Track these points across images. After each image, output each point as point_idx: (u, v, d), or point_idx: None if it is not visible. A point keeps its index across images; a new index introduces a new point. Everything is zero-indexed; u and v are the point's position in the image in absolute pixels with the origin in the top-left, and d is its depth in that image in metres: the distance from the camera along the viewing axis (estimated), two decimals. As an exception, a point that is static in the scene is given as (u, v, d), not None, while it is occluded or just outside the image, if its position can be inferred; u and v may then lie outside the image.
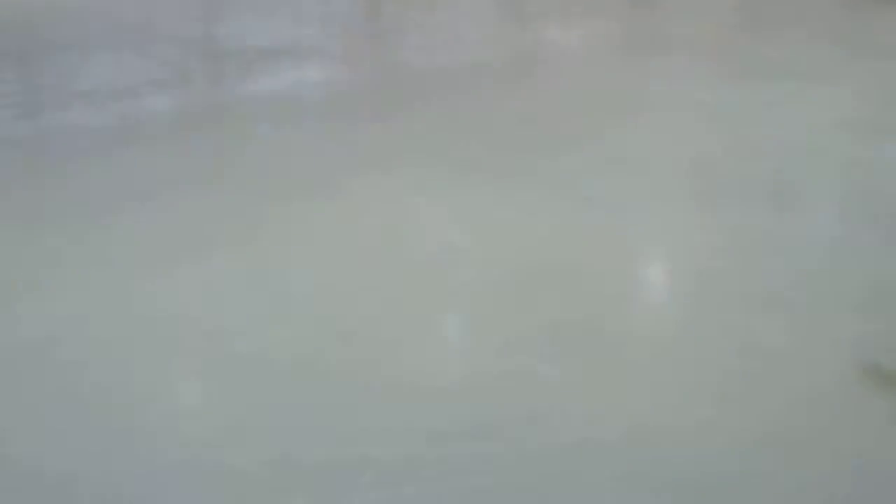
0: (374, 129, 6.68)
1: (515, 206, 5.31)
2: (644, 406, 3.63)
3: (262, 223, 5.16)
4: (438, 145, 6.27)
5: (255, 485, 3.26)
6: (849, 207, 5.41)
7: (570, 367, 3.87)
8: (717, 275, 4.58)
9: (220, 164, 6.17)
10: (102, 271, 4.68)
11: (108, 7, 10.50)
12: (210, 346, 4.09)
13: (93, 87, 7.62)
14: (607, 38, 9.60)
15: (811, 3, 10.32)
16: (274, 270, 4.66)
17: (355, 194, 5.51)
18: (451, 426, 3.52)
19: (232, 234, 5.05)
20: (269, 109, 7.25)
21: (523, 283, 4.51)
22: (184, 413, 3.74)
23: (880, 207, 5.27)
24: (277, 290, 4.49)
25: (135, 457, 3.40)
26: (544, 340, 4.06)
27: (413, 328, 4.22)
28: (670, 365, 3.93)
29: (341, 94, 7.73)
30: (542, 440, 3.45)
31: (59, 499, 3.22)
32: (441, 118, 6.85)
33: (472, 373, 3.91)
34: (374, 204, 5.40)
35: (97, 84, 7.71)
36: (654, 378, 3.83)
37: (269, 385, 3.79)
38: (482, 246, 4.89)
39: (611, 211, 5.22)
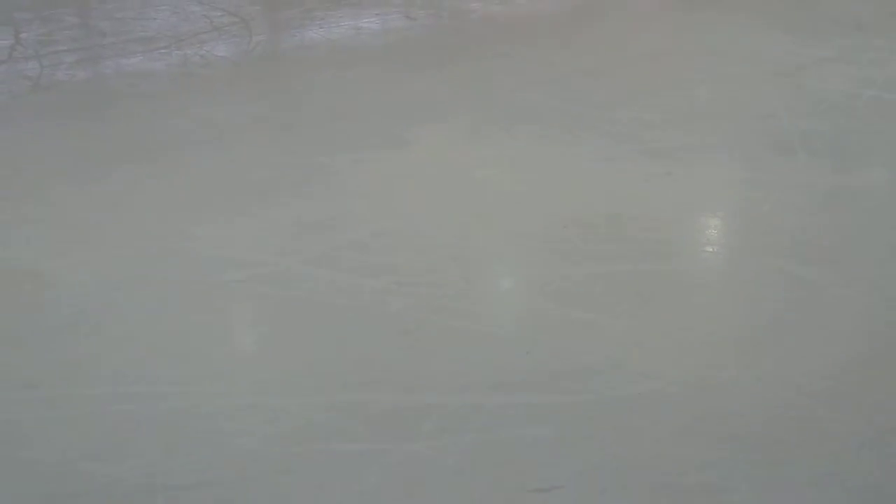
0: (433, 77, 6.67)
1: (576, 156, 5.31)
2: (703, 357, 3.64)
3: (320, 171, 5.16)
4: (497, 94, 6.26)
5: (313, 431, 3.28)
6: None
7: (629, 319, 3.88)
8: (772, 228, 4.57)
9: (280, 112, 6.18)
10: (162, 217, 4.71)
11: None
12: (269, 291, 4.11)
13: (153, 34, 7.64)
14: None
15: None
16: (331, 218, 4.67)
17: (414, 143, 5.51)
18: (508, 376, 3.54)
19: (290, 182, 5.06)
20: (328, 57, 7.25)
21: (582, 233, 4.51)
22: (240, 359, 3.77)
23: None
24: (335, 238, 4.50)
25: (192, 399, 3.44)
26: (602, 290, 4.07)
27: (471, 278, 4.23)
28: (728, 315, 3.94)
29: (400, 43, 7.71)
30: (599, 391, 3.46)
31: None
32: (500, 68, 6.83)
33: (530, 322, 3.92)
34: (431, 153, 5.40)
35: (158, 30, 7.73)
36: (712, 329, 3.83)
37: (326, 332, 3.82)
38: (542, 196, 4.88)
39: (671, 163, 5.20)
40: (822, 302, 4.01)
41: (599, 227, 4.57)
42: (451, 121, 5.83)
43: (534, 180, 5.06)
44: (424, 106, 6.10)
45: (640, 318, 3.88)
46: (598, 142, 5.48)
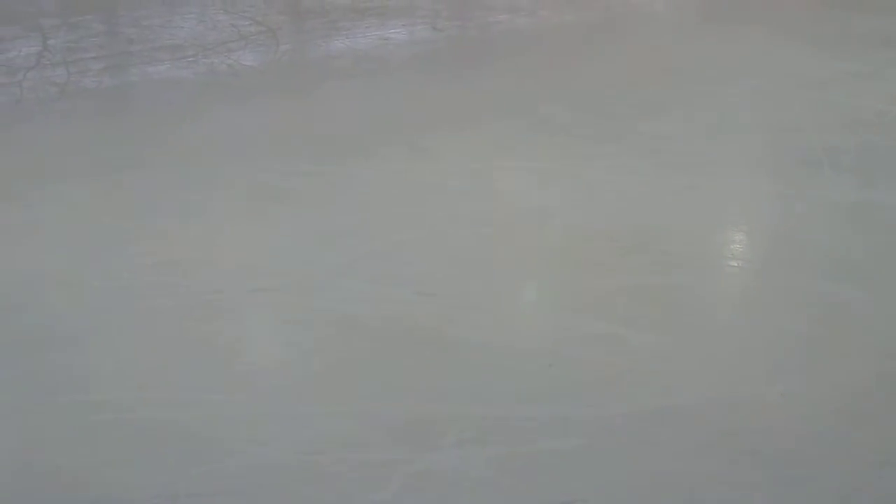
0: (460, 88, 6.67)
1: (600, 168, 5.30)
2: (729, 373, 3.62)
3: (345, 180, 5.17)
4: (524, 106, 6.25)
5: (335, 440, 3.28)
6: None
7: (654, 332, 3.86)
8: (799, 243, 4.55)
9: (305, 121, 6.20)
10: (185, 224, 4.72)
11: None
12: (295, 300, 4.12)
13: (181, 42, 7.67)
14: (693, 4, 9.52)
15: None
16: (355, 227, 4.67)
17: (438, 154, 5.51)
18: (532, 388, 3.53)
19: (315, 191, 5.07)
20: (354, 67, 7.26)
21: (607, 245, 4.50)
22: (262, 368, 3.77)
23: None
24: (358, 247, 4.50)
25: (214, 407, 3.44)
26: (628, 305, 4.05)
27: (494, 289, 4.23)
28: (754, 331, 3.92)
29: (426, 54, 7.72)
30: (624, 405, 3.44)
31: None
32: (526, 79, 6.83)
33: (553, 335, 3.91)
34: (458, 163, 5.40)
35: (185, 38, 7.75)
36: (738, 345, 3.82)
37: (348, 342, 3.81)
38: (566, 208, 4.88)
39: (697, 175, 5.19)
40: (847, 318, 3.99)
41: (624, 240, 4.55)
42: (476, 132, 5.83)
43: (558, 192, 5.06)
44: (449, 117, 6.10)
45: (664, 332, 3.86)
46: (623, 154, 5.47)
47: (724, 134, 5.80)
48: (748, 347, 3.81)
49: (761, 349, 3.80)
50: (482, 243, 4.54)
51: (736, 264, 4.58)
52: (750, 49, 7.50)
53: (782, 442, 3.27)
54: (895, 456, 3.23)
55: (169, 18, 8.39)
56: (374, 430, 3.32)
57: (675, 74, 6.92)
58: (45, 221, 4.78)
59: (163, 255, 4.44)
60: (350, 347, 3.77)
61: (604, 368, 3.63)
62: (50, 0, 9.03)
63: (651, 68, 7.08)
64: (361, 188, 5.10)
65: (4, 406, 3.50)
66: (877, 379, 3.60)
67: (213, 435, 3.31)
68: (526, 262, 4.48)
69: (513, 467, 3.16)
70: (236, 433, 3.31)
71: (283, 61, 7.44)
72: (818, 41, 7.66)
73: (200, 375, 3.60)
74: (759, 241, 4.82)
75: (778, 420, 3.38)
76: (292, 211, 4.85)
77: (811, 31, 8.08)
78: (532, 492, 3.08)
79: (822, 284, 4.21)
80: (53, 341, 3.80)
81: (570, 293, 4.17)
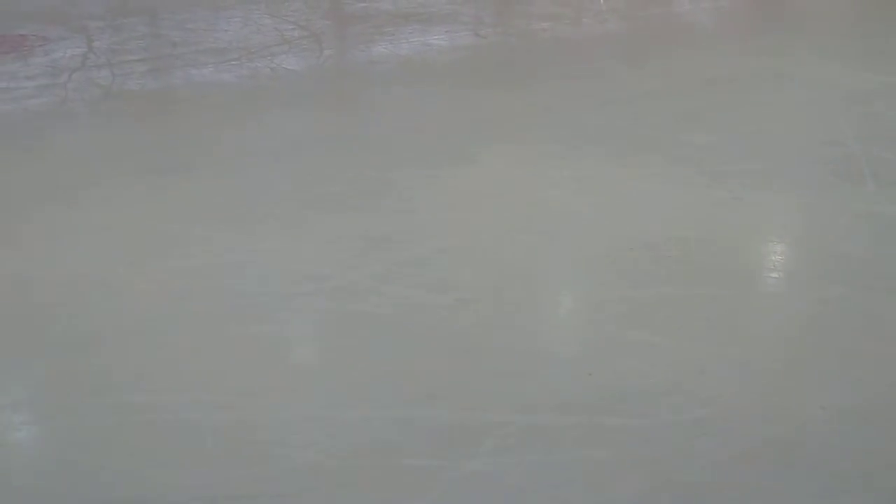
0: (502, 96, 6.69)
1: (642, 178, 5.29)
2: (768, 384, 3.62)
3: (387, 186, 5.19)
4: (564, 115, 6.26)
5: (375, 445, 3.30)
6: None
7: (693, 342, 3.86)
8: (840, 255, 4.54)
9: (348, 126, 6.23)
10: (228, 228, 4.75)
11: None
12: (337, 305, 4.14)
13: (224, 45, 7.72)
14: (736, 15, 9.50)
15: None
16: (397, 233, 4.69)
17: (480, 161, 5.52)
18: (570, 396, 3.53)
19: (357, 196, 5.09)
20: (397, 73, 7.29)
21: (648, 255, 4.50)
22: (304, 372, 3.80)
23: None
24: (400, 253, 4.52)
25: (256, 410, 3.47)
26: (668, 315, 4.05)
27: (535, 297, 4.24)
28: (794, 342, 3.92)
29: (468, 60, 7.74)
30: (661, 415, 3.45)
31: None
32: (567, 88, 6.84)
33: (593, 343, 3.92)
34: (498, 171, 5.42)
35: (229, 42, 7.80)
36: (778, 356, 3.81)
37: (389, 347, 3.83)
38: (607, 217, 4.88)
39: (737, 187, 5.18)
40: (887, 332, 3.98)
41: (665, 250, 4.55)
42: (518, 140, 5.85)
43: (600, 202, 5.06)
44: (491, 124, 6.12)
45: (703, 343, 3.86)
46: (665, 165, 5.47)
47: (766, 145, 5.79)
48: (788, 359, 3.80)
49: (801, 361, 3.79)
50: (524, 251, 4.55)
51: (776, 276, 4.58)
52: (792, 61, 7.49)
53: (820, 454, 3.27)
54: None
55: (213, 22, 8.44)
56: (414, 436, 3.33)
57: (717, 85, 6.91)
58: (90, 223, 4.82)
59: (205, 259, 4.48)
60: (391, 353, 3.79)
61: (643, 378, 3.63)
62: (95, 2, 9.08)
63: (693, 78, 7.08)
64: (403, 194, 5.12)
65: (49, 406, 3.55)
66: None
67: (254, 437, 3.33)
68: (567, 270, 4.49)
69: (550, 476, 3.17)
70: (277, 436, 3.34)
71: (327, 66, 7.48)
72: (860, 54, 7.64)
73: (242, 378, 3.63)
74: (799, 253, 4.81)
75: (816, 432, 3.38)
76: (334, 216, 4.87)
77: (853, 43, 8.05)
78: (569, 500, 3.08)
79: (863, 297, 4.20)
80: (97, 343, 3.84)
81: (610, 302, 4.17)
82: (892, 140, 5.89)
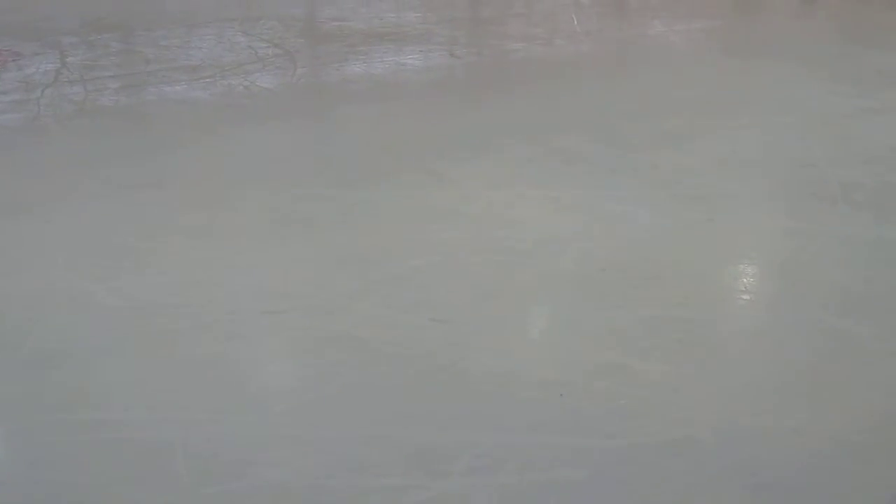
0: (476, 115, 6.69)
1: (616, 199, 5.29)
2: (739, 406, 3.61)
3: (360, 204, 5.18)
4: (539, 134, 6.26)
5: (346, 464, 3.28)
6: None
7: (665, 364, 3.85)
8: (812, 278, 4.55)
9: (321, 144, 6.22)
10: (201, 245, 4.73)
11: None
12: (308, 324, 4.12)
13: (198, 62, 7.70)
14: (710, 38, 9.53)
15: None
16: (370, 252, 4.67)
17: (453, 180, 5.52)
18: (543, 417, 3.52)
19: (330, 214, 5.08)
20: (370, 92, 7.29)
21: (621, 276, 4.50)
22: (275, 390, 3.77)
23: None
24: (372, 272, 4.50)
25: (226, 428, 3.44)
26: (641, 336, 4.05)
27: (507, 317, 4.22)
28: (765, 365, 3.91)
29: (442, 80, 7.75)
30: (633, 436, 3.43)
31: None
32: (542, 108, 6.85)
33: (565, 364, 3.90)
34: (471, 190, 5.41)
35: (202, 59, 7.79)
36: (750, 378, 3.80)
37: (361, 366, 3.81)
38: (580, 238, 4.87)
39: (711, 209, 5.18)
40: (860, 354, 3.98)
41: (638, 272, 4.55)
42: (492, 159, 5.85)
43: (573, 222, 5.06)
44: (465, 143, 6.11)
45: (676, 364, 3.85)
46: (639, 186, 5.47)
47: (740, 168, 5.80)
48: (759, 381, 3.80)
49: (772, 383, 3.79)
50: (496, 271, 4.54)
51: (748, 298, 4.58)
52: (767, 83, 7.52)
53: (792, 477, 3.26)
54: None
55: (187, 39, 8.43)
56: (386, 456, 3.31)
57: (692, 107, 6.93)
58: (60, 238, 4.79)
59: (175, 276, 4.45)
60: (362, 372, 3.77)
61: (615, 399, 3.62)
62: (69, 18, 9.06)
63: (668, 100, 7.10)
64: (376, 212, 5.11)
65: (15, 422, 3.51)
66: (887, 414, 3.59)
67: (225, 456, 3.30)
68: (539, 290, 4.47)
69: (523, 497, 3.15)
70: (247, 455, 3.31)
71: (300, 84, 7.47)
72: (835, 77, 7.67)
73: (212, 396, 3.60)
74: (772, 275, 4.81)
75: (789, 454, 3.37)
76: (306, 234, 4.86)
77: (829, 66, 8.09)
78: (542, 521, 3.07)
79: (834, 320, 4.20)
80: (65, 359, 3.81)
81: (582, 323, 4.16)
82: (864, 164, 5.91)
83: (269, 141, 6.15)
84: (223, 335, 4.00)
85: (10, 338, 3.96)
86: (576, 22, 9.47)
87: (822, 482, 3.25)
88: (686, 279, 4.52)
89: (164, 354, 3.87)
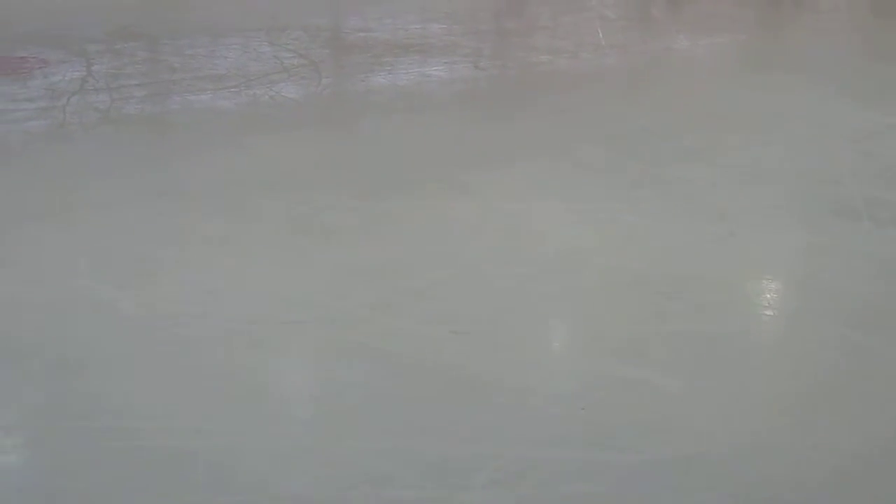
0: (500, 127, 6.69)
1: (637, 213, 5.28)
2: (761, 422, 3.60)
3: (383, 215, 5.18)
4: (563, 147, 6.26)
5: (365, 476, 3.27)
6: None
7: (686, 379, 3.84)
8: (835, 294, 4.53)
9: (345, 155, 6.22)
10: (221, 255, 4.74)
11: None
12: (330, 334, 4.12)
13: (223, 72, 7.72)
14: (734, 53, 9.51)
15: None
16: (392, 263, 4.67)
17: (476, 192, 5.51)
18: (563, 431, 3.51)
19: (352, 225, 5.08)
20: (395, 103, 7.30)
21: (643, 290, 4.49)
22: (294, 401, 3.78)
23: None
24: (393, 283, 4.50)
25: (244, 439, 3.44)
26: (662, 350, 4.04)
27: (533, 330, 4.22)
28: (787, 381, 3.90)
29: (467, 92, 7.75)
30: (654, 450, 3.43)
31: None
32: (566, 121, 6.84)
33: (586, 378, 3.90)
34: (495, 202, 5.40)
35: (228, 68, 7.80)
36: (771, 394, 3.79)
37: (381, 378, 3.81)
38: (602, 251, 4.87)
39: (733, 224, 5.17)
40: (882, 371, 3.96)
41: (660, 286, 4.54)
42: (515, 171, 5.84)
43: (595, 235, 5.05)
44: (488, 155, 6.11)
45: (697, 379, 3.84)
46: (662, 200, 5.46)
47: (763, 183, 5.78)
48: (780, 397, 3.79)
49: (793, 399, 3.77)
50: (518, 283, 4.53)
51: (770, 313, 4.56)
52: (791, 99, 7.49)
53: (811, 492, 3.25)
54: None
55: (212, 48, 8.45)
56: (406, 468, 3.31)
57: (716, 121, 6.91)
58: (81, 245, 4.81)
59: (197, 284, 4.46)
60: (383, 384, 3.77)
61: (635, 414, 3.61)
62: (95, 26, 9.09)
63: (691, 114, 7.08)
64: (399, 224, 5.11)
65: (36, 429, 3.52)
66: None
67: (243, 466, 3.31)
68: (561, 304, 4.47)
69: (542, 510, 3.15)
70: (266, 465, 3.31)
71: (325, 94, 7.48)
72: (858, 93, 7.64)
73: (232, 406, 3.61)
74: (794, 291, 4.79)
75: (807, 470, 3.36)
76: (329, 245, 4.87)
77: (853, 82, 8.06)
78: (561, 535, 3.07)
79: (857, 336, 4.18)
80: (86, 367, 3.82)
81: (603, 337, 4.16)
82: (888, 180, 5.88)
83: (293, 151, 6.16)
84: (244, 345, 4.01)
85: (32, 344, 3.98)
86: (601, 35, 9.46)
87: (842, 500, 3.23)
88: (708, 294, 4.50)
89: (185, 363, 3.87)
